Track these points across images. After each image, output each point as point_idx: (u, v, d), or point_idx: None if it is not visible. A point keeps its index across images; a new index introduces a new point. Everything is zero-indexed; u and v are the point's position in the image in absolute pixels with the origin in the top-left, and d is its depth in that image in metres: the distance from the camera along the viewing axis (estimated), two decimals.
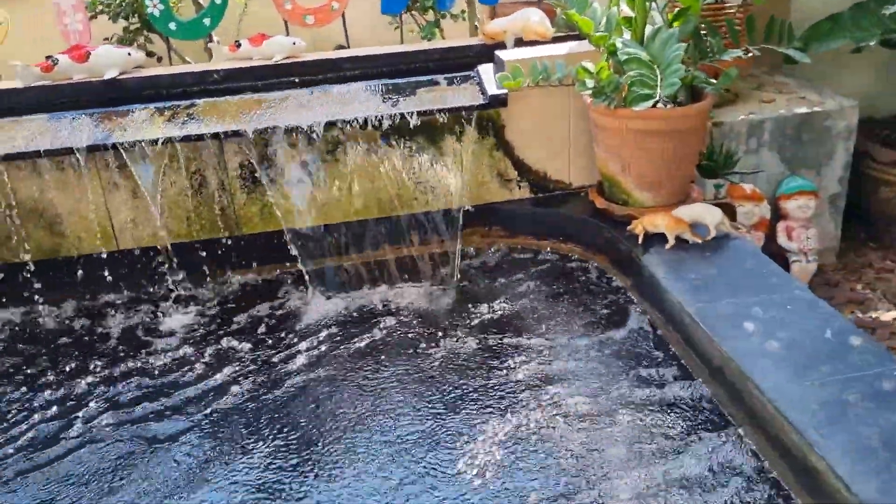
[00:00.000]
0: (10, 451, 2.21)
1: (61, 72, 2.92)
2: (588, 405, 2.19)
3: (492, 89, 2.88)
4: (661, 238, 2.63)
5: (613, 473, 1.92)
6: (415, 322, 2.74)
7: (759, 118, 3.33)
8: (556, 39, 3.13)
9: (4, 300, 2.95)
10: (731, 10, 3.40)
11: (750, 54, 2.78)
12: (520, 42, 3.16)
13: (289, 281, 3.07)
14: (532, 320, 2.65)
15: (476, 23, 3.83)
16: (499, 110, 2.99)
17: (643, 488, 1.85)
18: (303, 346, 2.64)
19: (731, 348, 2.04)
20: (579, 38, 2.95)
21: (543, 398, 2.23)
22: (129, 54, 3.01)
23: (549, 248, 3.10)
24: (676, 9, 2.69)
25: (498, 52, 3.02)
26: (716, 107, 3.40)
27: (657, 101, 2.42)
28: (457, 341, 2.58)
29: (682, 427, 2.05)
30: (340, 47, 3.61)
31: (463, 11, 3.92)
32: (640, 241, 2.65)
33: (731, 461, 1.91)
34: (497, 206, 3.18)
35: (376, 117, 2.80)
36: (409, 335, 2.65)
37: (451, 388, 2.34)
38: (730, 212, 3.21)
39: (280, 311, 2.89)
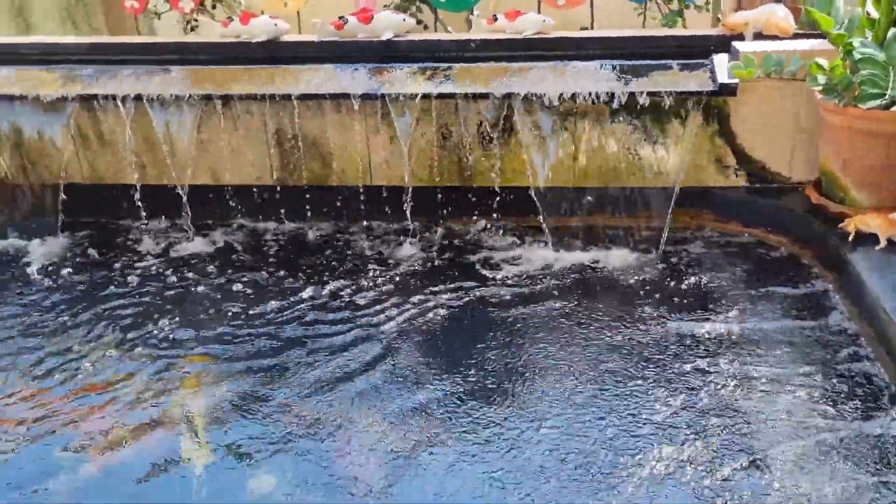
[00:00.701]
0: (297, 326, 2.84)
1: (349, 30, 3.49)
2: (770, 386, 2.36)
3: (723, 77, 3.04)
4: (871, 239, 2.68)
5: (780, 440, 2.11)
6: (619, 285, 3.02)
7: None
8: (795, 36, 3.20)
9: (284, 216, 3.62)
10: None
11: None
12: (759, 36, 3.26)
13: (509, 232, 3.47)
14: (728, 302, 2.82)
15: (719, 14, 3.94)
16: (727, 99, 3.14)
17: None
18: (511, 290, 3.03)
19: None
20: (819, 37, 3.01)
21: (730, 373, 2.44)
22: (404, 20, 3.52)
23: (756, 237, 3.22)
24: None
25: (735, 43, 3.16)
26: None
27: (887, 104, 2.48)
28: (654, 311, 2.82)
29: (857, 407, 2.17)
30: (584, 29, 3.89)
31: (707, 2, 4.03)
32: (850, 238, 2.71)
33: None
34: (711, 191, 3.34)
35: (608, 93, 3.08)
36: (612, 296, 2.95)
37: (645, 347, 2.61)
38: None
39: (498, 257, 3.29)
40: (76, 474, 2.15)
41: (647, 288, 2.97)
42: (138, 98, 3.36)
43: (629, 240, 3.33)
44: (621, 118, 3.23)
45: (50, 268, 3.33)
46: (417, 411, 2.34)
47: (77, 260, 3.41)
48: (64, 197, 3.59)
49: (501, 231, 3.48)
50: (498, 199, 3.45)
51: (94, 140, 3.57)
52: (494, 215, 3.49)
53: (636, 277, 3.06)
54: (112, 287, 3.16)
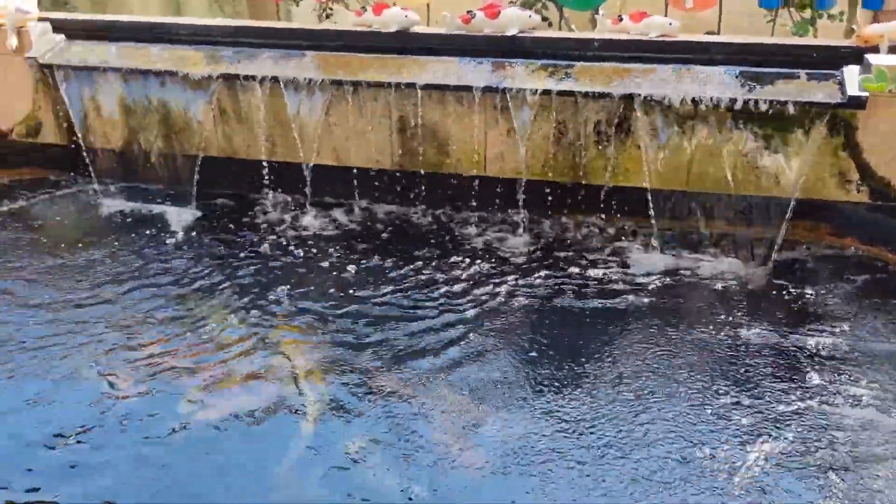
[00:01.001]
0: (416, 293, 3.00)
1: (476, 25, 3.60)
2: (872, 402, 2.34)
3: (852, 90, 2.97)
4: None
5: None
6: (724, 293, 3.03)
7: None
8: None
9: (399, 199, 3.79)
10: None
11: None
12: (894, 49, 3.17)
13: (618, 230, 3.51)
14: (838, 318, 2.78)
15: (853, 25, 3.83)
16: (854, 112, 3.07)
17: None
18: (613, 288, 3.09)
19: None
20: None
21: (831, 385, 2.42)
22: (530, 17, 3.61)
23: (874, 255, 3.14)
24: None
25: (868, 56, 3.08)
26: None
27: None
28: (759, 319, 2.81)
29: None
30: (710, 33, 3.87)
31: (842, 13, 3.92)
32: None
33: None
34: (830, 205, 3.27)
35: (730, 99, 3.07)
36: (715, 304, 2.96)
37: (740, 357, 2.62)
38: None
39: (604, 254, 3.34)
40: (197, 417, 2.38)
41: (754, 299, 2.96)
42: (275, 80, 3.60)
43: (740, 248, 3.31)
44: (742, 125, 3.21)
45: (182, 233, 3.60)
46: (494, 384, 2.50)
47: (207, 227, 3.68)
48: (200, 168, 3.88)
49: (611, 229, 3.52)
50: (609, 197, 3.50)
51: (232, 117, 3.83)
52: (604, 213, 3.54)
53: (742, 287, 3.05)
54: (235, 254, 3.40)
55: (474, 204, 3.70)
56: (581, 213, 3.60)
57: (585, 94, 3.30)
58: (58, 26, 3.94)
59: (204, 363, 2.63)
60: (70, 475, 2.16)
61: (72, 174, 4.09)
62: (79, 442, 2.27)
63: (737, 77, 3.19)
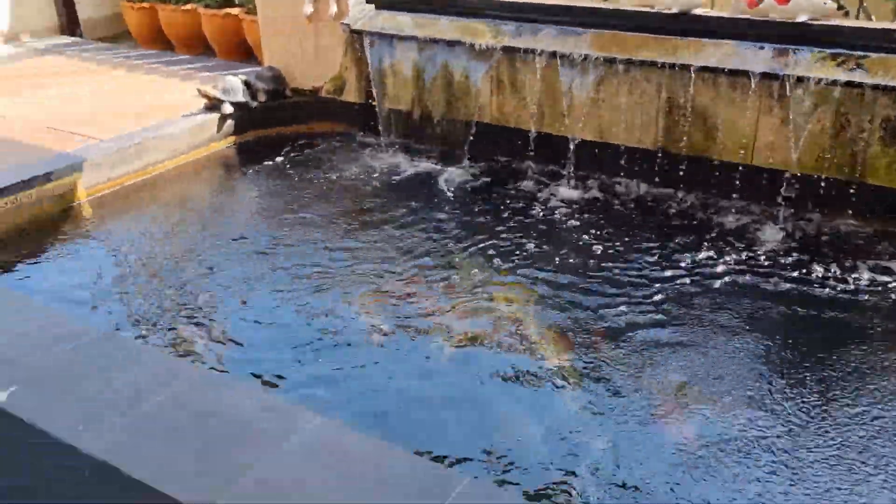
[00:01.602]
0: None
1: (763, 9, 3.50)
2: None
3: None
4: None
5: None
6: None
7: None
8: None
9: (657, 180, 3.83)
10: None
11: None
12: None
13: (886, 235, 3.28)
14: None
15: None
16: None
17: None
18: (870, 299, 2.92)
19: None
20: None
21: None
22: (825, 3, 3.43)
23: None
24: None
25: None
26: None
27: None
28: None
29: None
30: None
31: None
32: None
33: None
34: None
35: None
36: None
37: None
38: None
39: (864, 261, 3.15)
40: (444, 355, 2.68)
41: None
42: (552, 55, 3.79)
43: None
44: None
45: (450, 192, 3.95)
46: (711, 371, 2.53)
47: (472, 188, 4.00)
48: (474, 133, 4.21)
49: (880, 234, 3.30)
50: (885, 199, 3.27)
51: (508, 87, 4.10)
52: (877, 217, 3.32)
53: None
54: (494, 215, 3.68)
55: (735, 192, 3.64)
56: (846, 212, 3.40)
57: (875, 87, 3.11)
58: None
59: (456, 307, 2.93)
60: (335, 382, 2.56)
61: (364, 130, 4.63)
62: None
63: None
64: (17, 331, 2.21)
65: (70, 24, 6.74)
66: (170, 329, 2.80)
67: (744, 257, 3.22)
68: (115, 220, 3.68)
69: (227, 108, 4.40)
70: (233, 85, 4.46)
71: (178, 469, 1.68)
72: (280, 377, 2.55)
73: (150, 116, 4.35)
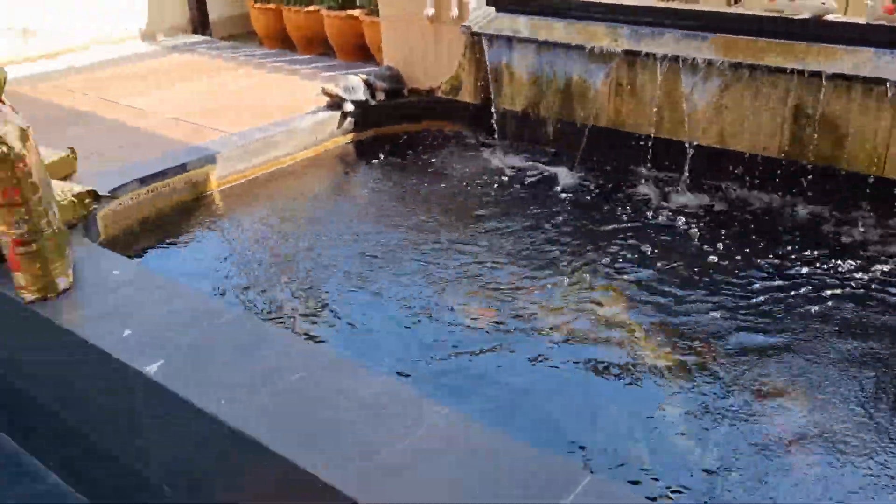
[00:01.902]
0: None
1: None
2: None
3: None
4: None
5: None
6: None
7: None
8: None
9: (780, 190, 3.72)
10: None
11: None
12: None
13: None
14: None
15: None
16: None
17: None
18: None
19: None
20: None
21: None
22: None
23: None
24: None
25: None
26: None
27: None
28: None
29: None
30: None
31: None
32: None
33: None
34: None
35: None
36: None
37: None
38: None
39: None
40: (552, 340, 2.74)
41: None
42: (674, 59, 3.75)
43: None
44: None
45: (562, 193, 3.96)
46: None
47: (584, 191, 4.00)
48: (588, 136, 4.21)
49: None
50: None
51: (626, 90, 4.07)
52: None
53: None
54: (603, 218, 3.67)
55: (865, 205, 3.50)
56: None
57: None
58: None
59: (556, 309, 2.96)
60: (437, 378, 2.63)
61: (478, 130, 4.70)
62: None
63: None
64: (163, 310, 2.38)
65: (201, 22, 7.14)
66: (299, 315, 2.95)
67: (868, 277, 3.09)
68: (244, 210, 3.88)
69: (349, 106, 4.55)
70: (354, 84, 4.62)
71: (314, 446, 1.77)
72: (401, 373, 2.65)
73: (275, 113, 4.56)
